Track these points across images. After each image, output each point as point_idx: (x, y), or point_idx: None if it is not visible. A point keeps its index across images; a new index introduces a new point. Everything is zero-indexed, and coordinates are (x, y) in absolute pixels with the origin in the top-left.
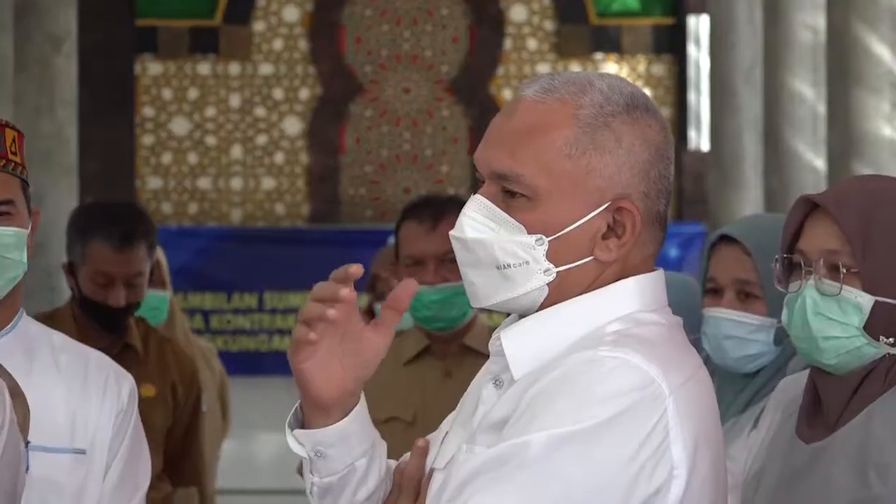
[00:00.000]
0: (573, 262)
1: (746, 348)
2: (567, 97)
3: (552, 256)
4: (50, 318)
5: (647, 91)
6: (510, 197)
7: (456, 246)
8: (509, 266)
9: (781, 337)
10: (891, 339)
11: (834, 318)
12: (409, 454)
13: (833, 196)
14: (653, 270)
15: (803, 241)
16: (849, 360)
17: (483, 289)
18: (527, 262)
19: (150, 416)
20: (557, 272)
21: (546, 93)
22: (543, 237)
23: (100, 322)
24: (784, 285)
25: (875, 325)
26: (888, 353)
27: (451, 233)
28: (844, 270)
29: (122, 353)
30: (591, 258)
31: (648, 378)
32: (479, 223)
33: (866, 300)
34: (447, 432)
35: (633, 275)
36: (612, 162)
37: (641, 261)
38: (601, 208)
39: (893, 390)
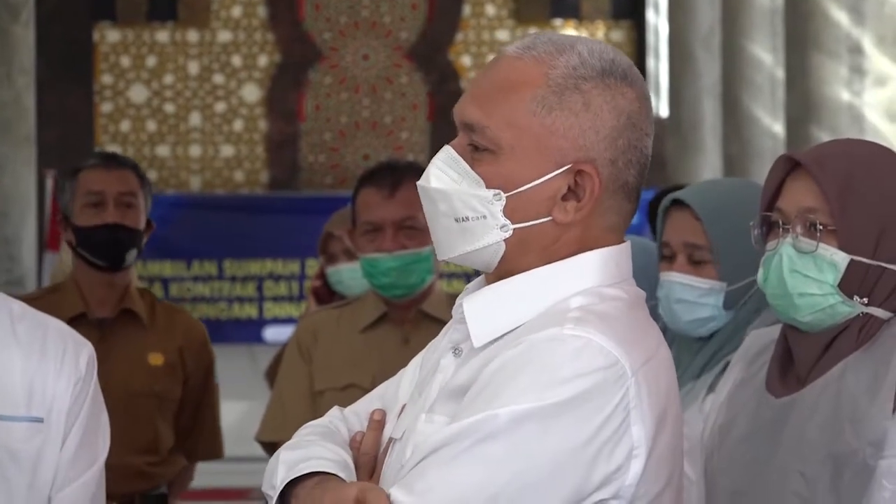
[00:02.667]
0: (531, 220)
1: (696, 312)
2: (543, 56)
3: (510, 213)
4: (54, 290)
5: None
6: (476, 150)
7: (421, 195)
8: (467, 219)
9: (731, 301)
10: (864, 299)
11: (810, 275)
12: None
13: (814, 155)
14: (618, 241)
15: (782, 199)
16: (823, 317)
17: (444, 241)
18: (484, 217)
19: (160, 386)
20: (514, 229)
21: (525, 50)
22: (501, 192)
23: (99, 255)
24: (762, 244)
25: (849, 284)
26: (861, 312)
27: (419, 182)
28: (821, 228)
29: (121, 318)
30: (548, 218)
31: (612, 358)
32: (443, 173)
33: (841, 258)
34: (405, 404)
35: (594, 243)
36: (577, 124)
37: (604, 230)
38: (562, 169)
39: (866, 347)
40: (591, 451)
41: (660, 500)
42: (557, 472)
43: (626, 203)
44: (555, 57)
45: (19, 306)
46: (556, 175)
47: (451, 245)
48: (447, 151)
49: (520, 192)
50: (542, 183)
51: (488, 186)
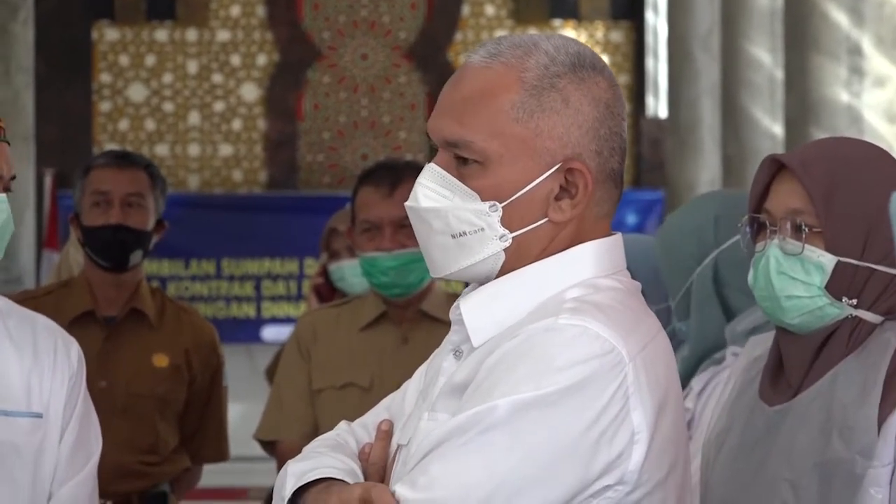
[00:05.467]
0: (528, 225)
1: None
2: (512, 61)
3: (506, 221)
4: (65, 286)
5: (605, 58)
6: (463, 164)
7: (411, 216)
8: (465, 234)
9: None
10: (853, 301)
11: (797, 277)
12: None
13: (799, 156)
14: (607, 229)
15: (769, 201)
16: (811, 319)
17: (440, 258)
18: (482, 229)
19: (163, 388)
20: (513, 237)
21: (492, 58)
22: (497, 204)
23: (103, 255)
24: (751, 246)
25: (837, 286)
26: (850, 315)
27: (406, 203)
28: (807, 230)
29: (128, 317)
30: (545, 220)
31: (608, 345)
32: (433, 192)
33: (828, 260)
34: (410, 414)
35: (588, 234)
36: (560, 123)
37: (596, 220)
38: (552, 170)
39: (856, 353)
40: (591, 438)
41: (664, 486)
42: (559, 460)
43: (614, 190)
44: (523, 60)
45: (4, 302)
46: (548, 176)
47: (448, 262)
48: (432, 169)
49: (514, 199)
50: (534, 187)
51: (483, 199)
